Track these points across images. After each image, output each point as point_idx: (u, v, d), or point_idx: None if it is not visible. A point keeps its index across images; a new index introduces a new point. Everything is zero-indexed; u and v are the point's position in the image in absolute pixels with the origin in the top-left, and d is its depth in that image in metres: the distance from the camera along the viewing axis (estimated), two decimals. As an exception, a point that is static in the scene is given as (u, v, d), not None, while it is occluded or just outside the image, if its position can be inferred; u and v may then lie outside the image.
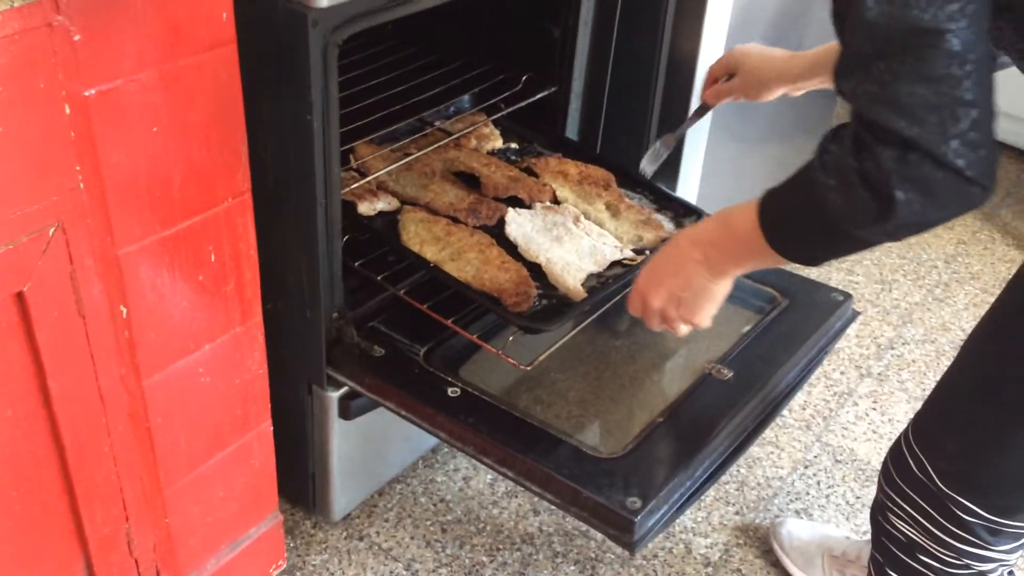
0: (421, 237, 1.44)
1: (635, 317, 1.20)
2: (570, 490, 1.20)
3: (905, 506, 1.19)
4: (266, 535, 1.42)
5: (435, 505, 1.66)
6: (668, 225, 1.54)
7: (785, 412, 1.89)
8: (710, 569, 1.60)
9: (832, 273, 2.29)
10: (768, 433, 1.84)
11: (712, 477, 1.28)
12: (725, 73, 1.46)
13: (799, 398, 1.93)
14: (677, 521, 1.65)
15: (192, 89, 0.99)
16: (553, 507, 1.65)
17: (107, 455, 1.13)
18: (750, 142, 2.03)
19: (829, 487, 1.76)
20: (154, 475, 1.19)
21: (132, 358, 1.08)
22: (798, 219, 0.95)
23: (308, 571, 1.53)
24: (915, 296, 2.27)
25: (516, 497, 1.68)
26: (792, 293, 1.54)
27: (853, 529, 1.68)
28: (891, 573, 1.26)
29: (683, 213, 1.57)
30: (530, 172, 1.63)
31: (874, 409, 1.94)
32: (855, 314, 1.56)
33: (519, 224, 1.49)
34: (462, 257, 1.40)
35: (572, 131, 1.77)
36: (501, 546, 1.60)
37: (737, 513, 1.69)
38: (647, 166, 1.61)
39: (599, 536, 1.62)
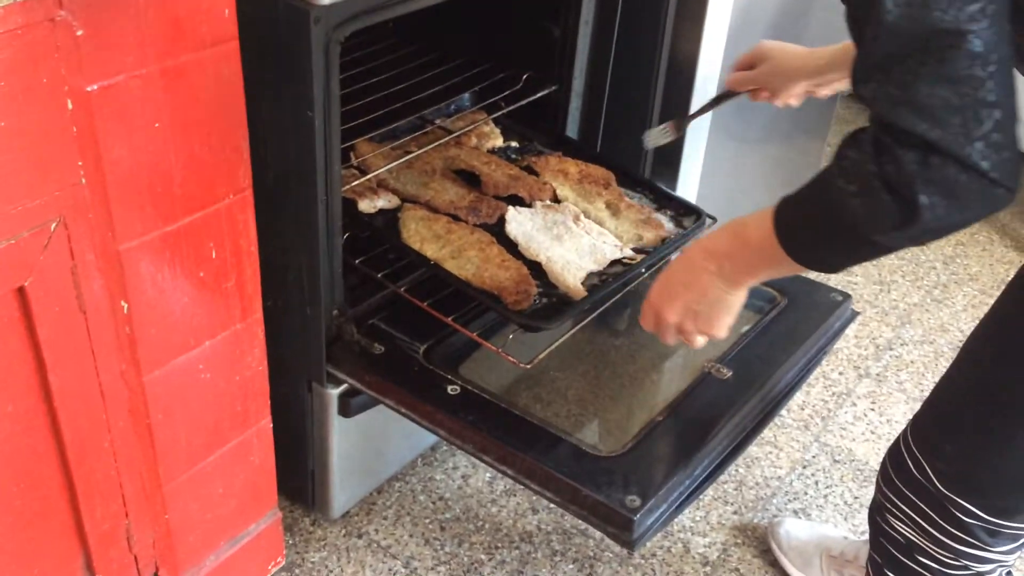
0: (421, 235, 1.44)
1: (635, 317, 1.19)
2: (569, 488, 1.20)
3: (903, 507, 1.19)
4: (265, 532, 1.42)
5: (434, 503, 1.66)
6: (668, 224, 1.54)
7: (784, 412, 1.90)
8: (708, 568, 1.60)
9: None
10: (767, 433, 1.84)
11: (711, 476, 1.28)
12: (751, 63, 1.43)
13: (798, 398, 1.94)
14: (675, 520, 1.65)
15: (194, 85, 0.99)
16: (552, 505, 1.65)
17: (107, 451, 1.13)
18: (750, 142, 2.03)
19: (827, 487, 1.76)
20: (154, 471, 1.19)
21: (133, 354, 1.08)
22: (816, 226, 0.93)
23: (307, 568, 1.54)
24: (914, 297, 2.28)
25: (515, 495, 1.68)
26: (791, 293, 1.55)
27: (851, 529, 1.68)
28: (889, 574, 1.26)
29: (683, 212, 1.58)
30: (530, 171, 1.63)
31: (872, 410, 1.94)
32: (854, 314, 1.57)
33: (519, 222, 1.49)
34: (462, 255, 1.41)
35: (572, 130, 1.77)
36: (500, 544, 1.60)
37: (735, 513, 1.70)
38: (648, 141, 1.58)
39: (597, 535, 1.62)
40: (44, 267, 0.96)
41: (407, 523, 1.62)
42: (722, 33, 1.67)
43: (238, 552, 1.39)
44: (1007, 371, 1.08)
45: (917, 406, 1.97)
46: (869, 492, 1.75)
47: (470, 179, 1.59)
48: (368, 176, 1.53)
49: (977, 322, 1.18)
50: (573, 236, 1.47)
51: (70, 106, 0.91)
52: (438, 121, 1.69)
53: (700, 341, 1.12)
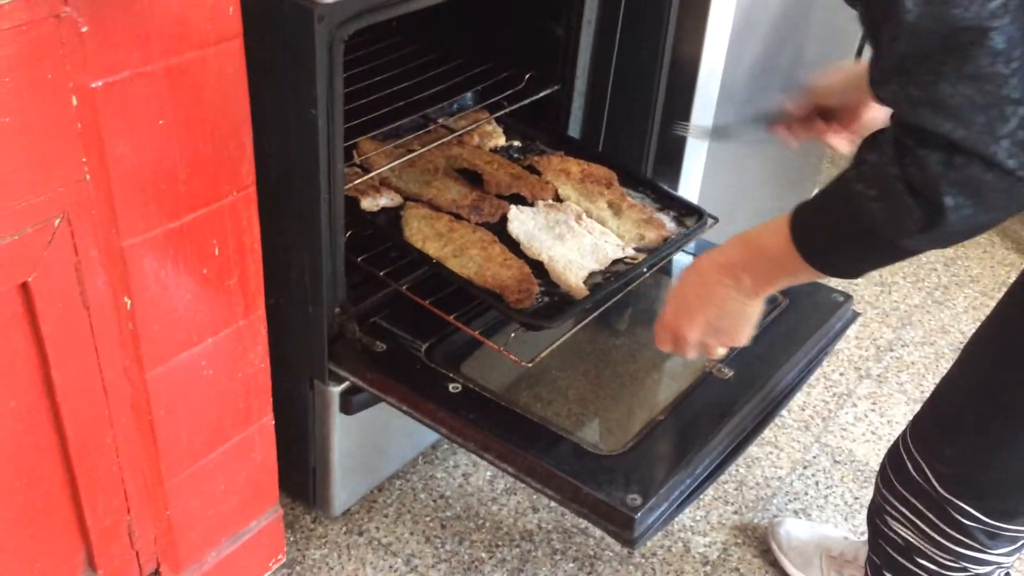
0: (424, 233, 1.44)
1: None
2: (570, 486, 1.20)
3: (903, 509, 1.19)
4: (266, 529, 1.42)
5: (435, 501, 1.66)
6: (670, 224, 1.54)
7: (784, 412, 1.90)
8: (708, 568, 1.60)
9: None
10: (767, 433, 1.85)
11: (712, 476, 1.28)
12: (829, 82, 1.27)
13: (798, 399, 1.94)
14: (676, 520, 1.65)
15: (198, 82, 0.99)
16: (553, 504, 1.65)
17: (109, 447, 1.13)
18: (751, 143, 2.03)
19: (828, 487, 1.77)
20: (156, 467, 1.19)
21: (135, 350, 1.09)
22: (836, 232, 0.91)
23: (308, 565, 1.54)
24: (915, 298, 2.28)
25: (515, 494, 1.69)
26: (792, 293, 1.55)
27: (851, 529, 1.68)
28: (888, 575, 1.26)
29: (685, 212, 1.58)
30: (532, 170, 1.63)
31: (873, 410, 1.94)
32: (855, 315, 1.57)
33: (521, 222, 1.49)
34: (464, 254, 1.41)
35: (575, 129, 1.77)
36: (500, 543, 1.61)
37: (736, 512, 1.70)
38: (680, 128, 1.54)
39: (598, 533, 1.62)
40: (48, 263, 0.97)
41: (408, 521, 1.62)
42: (725, 33, 1.67)
43: (239, 549, 1.39)
44: (1008, 373, 1.07)
45: (918, 407, 1.97)
46: (869, 493, 1.75)
47: (472, 178, 1.59)
48: (371, 174, 1.53)
49: (978, 324, 1.18)
50: (575, 235, 1.48)
51: (75, 102, 0.91)
52: (441, 120, 1.69)
53: (721, 352, 1.09)
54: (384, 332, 1.41)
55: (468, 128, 1.68)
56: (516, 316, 1.34)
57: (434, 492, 1.68)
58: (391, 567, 1.55)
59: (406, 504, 1.65)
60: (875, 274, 2.34)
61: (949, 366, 1.20)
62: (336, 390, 1.41)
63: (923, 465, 1.16)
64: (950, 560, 1.18)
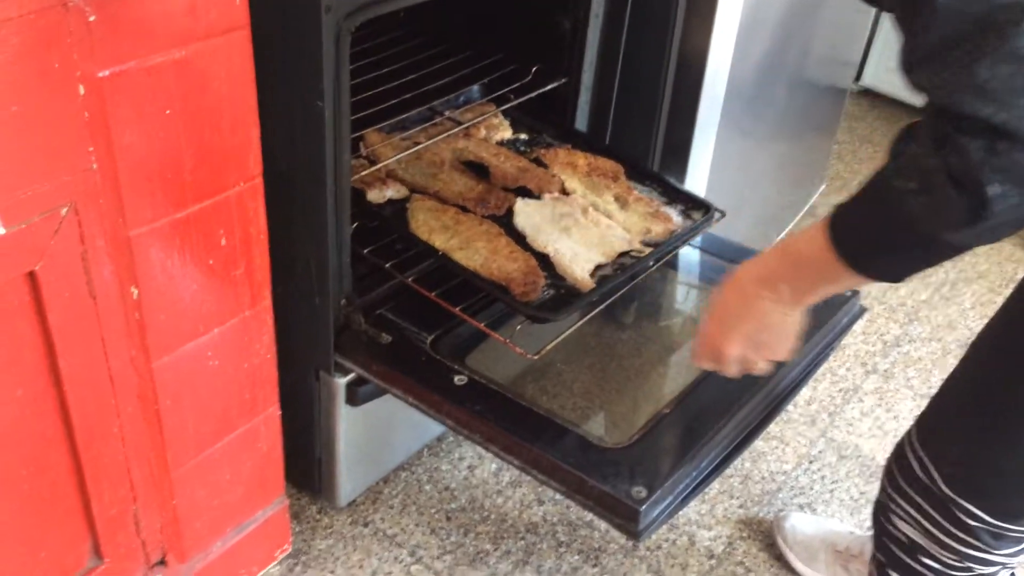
0: (430, 225, 1.44)
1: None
2: (576, 479, 1.20)
3: (908, 508, 1.19)
4: (272, 519, 1.43)
5: (440, 493, 1.66)
6: (676, 217, 1.54)
7: (790, 407, 1.90)
8: (713, 561, 1.60)
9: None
10: (773, 428, 1.85)
11: (717, 469, 1.28)
12: None
13: (804, 393, 1.94)
14: (681, 513, 1.65)
15: (205, 73, 1.00)
16: (558, 497, 1.66)
17: (116, 436, 1.14)
18: (759, 138, 2.03)
19: (833, 482, 1.76)
20: (162, 457, 1.20)
21: (142, 340, 1.09)
22: (876, 233, 0.87)
23: (313, 556, 1.54)
24: (922, 294, 2.27)
25: (520, 487, 1.69)
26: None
27: (857, 524, 1.68)
28: (892, 574, 1.26)
29: (691, 206, 1.58)
30: (539, 163, 1.63)
31: (879, 406, 1.94)
32: (862, 310, 1.56)
33: (528, 214, 1.49)
34: (471, 246, 1.41)
35: (581, 123, 1.77)
36: (505, 535, 1.61)
37: (741, 507, 1.70)
38: None
39: (603, 526, 1.62)
40: (55, 252, 0.97)
41: (413, 512, 1.63)
42: (732, 27, 1.67)
43: (245, 538, 1.39)
44: (1012, 372, 1.06)
45: (924, 403, 1.96)
46: (875, 488, 1.75)
47: (479, 171, 1.59)
48: (377, 166, 1.54)
49: (985, 320, 1.17)
50: (581, 228, 1.48)
51: (82, 92, 0.91)
52: (447, 112, 1.69)
53: (764, 367, 1.06)
54: (390, 324, 1.42)
55: (475, 121, 1.68)
56: (522, 308, 1.34)
57: (439, 484, 1.68)
58: (396, 558, 1.55)
59: (411, 496, 1.65)
60: (882, 269, 2.33)
61: (956, 362, 1.19)
62: (342, 381, 1.41)
63: (928, 464, 1.15)
64: (955, 560, 1.17)
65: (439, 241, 1.42)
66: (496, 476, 1.71)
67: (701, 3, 1.62)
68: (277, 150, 1.21)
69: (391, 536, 1.59)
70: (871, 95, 3.06)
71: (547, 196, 1.54)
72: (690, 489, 1.24)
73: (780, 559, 1.60)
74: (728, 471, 1.73)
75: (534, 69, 1.72)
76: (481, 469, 1.71)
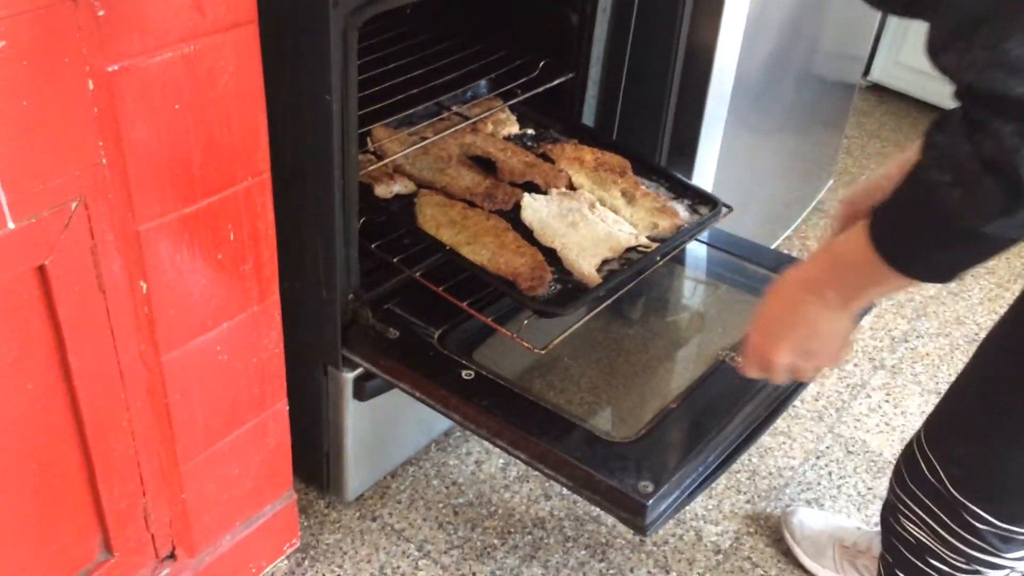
0: (437, 220, 1.45)
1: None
2: (583, 473, 1.21)
3: (916, 509, 1.18)
4: (280, 513, 1.43)
5: (447, 488, 1.67)
6: (683, 212, 1.54)
7: (797, 402, 1.89)
8: (720, 556, 1.60)
9: (847, 265, 2.29)
10: (780, 423, 1.84)
11: (724, 464, 1.28)
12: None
13: (812, 388, 1.94)
14: (688, 508, 1.65)
15: (214, 68, 1.00)
16: (565, 492, 1.66)
17: (125, 430, 1.14)
18: (766, 133, 2.02)
19: (841, 478, 1.76)
20: (171, 451, 1.20)
21: (151, 334, 1.09)
22: (916, 229, 0.84)
23: (321, 550, 1.55)
24: (930, 290, 2.27)
25: (528, 481, 1.69)
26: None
27: (864, 520, 1.68)
28: (900, 574, 1.25)
29: (699, 201, 1.58)
30: (546, 158, 1.63)
31: (887, 401, 1.94)
32: (870, 306, 1.56)
33: (535, 209, 1.50)
34: (478, 241, 1.41)
35: (589, 118, 1.77)
36: (512, 529, 1.61)
37: (748, 502, 1.70)
38: None
39: (610, 521, 1.62)
40: (64, 246, 0.97)
41: (421, 507, 1.63)
42: (740, 23, 1.66)
43: (253, 533, 1.40)
44: (1021, 373, 1.05)
45: (932, 398, 1.96)
46: (882, 483, 1.75)
47: (486, 166, 1.59)
48: (384, 161, 1.54)
49: (993, 316, 1.16)
50: (588, 223, 1.48)
51: (91, 86, 0.92)
52: (454, 107, 1.69)
53: (813, 374, 1.03)
54: (397, 318, 1.42)
55: (482, 116, 1.68)
56: (529, 303, 1.34)
57: (447, 479, 1.68)
58: (404, 552, 1.56)
59: (419, 490, 1.66)
60: (890, 265, 2.33)
61: (964, 358, 1.18)
62: (349, 376, 1.41)
63: (936, 466, 1.14)
64: (962, 562, 1.16)
65: (446, 236, 1.42)
66: (503, 471, 1.71)
67: (709, -3, 1.62)
68: (285, 145, 1.21)
69: (399, 531, 1.59)
70: (880, 90, 3.05)
71: (554, 191, 1.55)
72: (697, 484, 1.24)
73: (787, 554, 1.60)
74: (735, 466, 1.73)
75: (541, 64, 1.72)
76: (488, 464, 1.72)
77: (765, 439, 1.80)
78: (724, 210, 1.56)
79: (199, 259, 1.10)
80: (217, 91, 1.01)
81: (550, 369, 1.44)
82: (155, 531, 1.26)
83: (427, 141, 1.60)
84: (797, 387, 1.39)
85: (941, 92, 2.32)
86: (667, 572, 1.57)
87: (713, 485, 1.68)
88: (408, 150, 1.57)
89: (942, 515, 1.14)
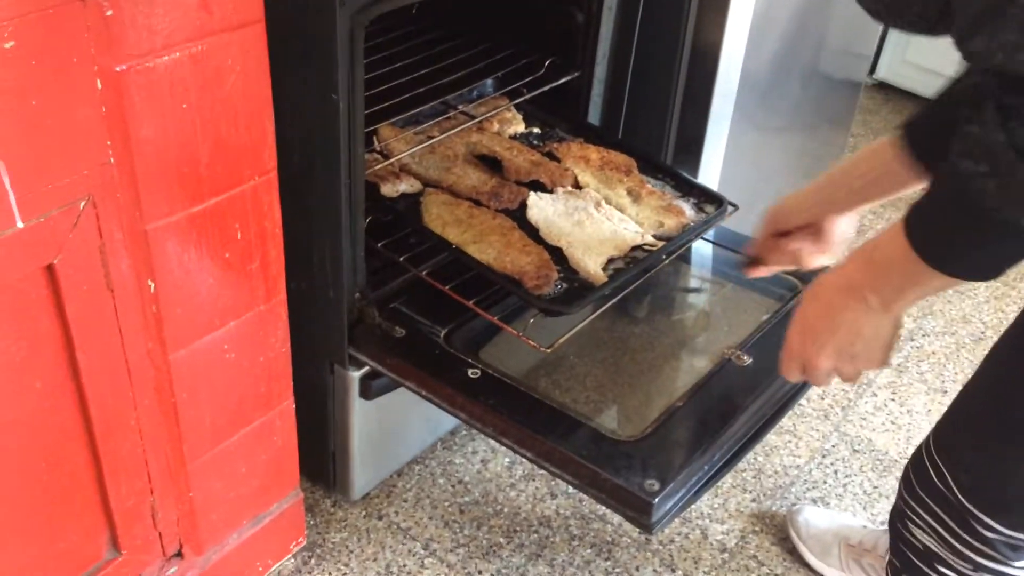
0: (443, 219, 1.45)
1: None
2: (589, 472, 1.21)
3: (925, 515, 1.16)
4: (287, 512, 1.44)
5: (453, 487, 1.67)
6: (689, 211, 1.54)
7: (803, 401, 1.89)
8: (726, 555, 1.60)
9: (853, 264, 2.29)
10: (786, 422, 1.84)
11: (730, 463, 1.28)
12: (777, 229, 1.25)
13: (817, 387, 1.94)
14: (693, 507, 1.65)
15: (221, 67, 1.00)
16: (570, 490, 1.66)
17: (133, 428, 1.15)
18: (772, 131, 2.02)
19: (846, 476, 1.76)
20: (178, 449, 1.20)
21: (159, 332, 1.10)
22: (953, 224, 0.81)
23: (327, 548, 1.55)
24: (936, 288, 2.26)
25: (533, 480, 1.69)
26: (811, 281, 1.54)
27: (870, 518, 1.68)
28: None
29: (704, 199, 1.57)
30: (552, 157, 1.63)
31: (893, 400, 1.94)
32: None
33: (541, 208, 1.50)
34: (484, 239, 1.41)
35: (594, 116, 1.77)
36: (518, 528, 1.61)
37: (754, 500, 1.70)
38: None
39: (616, 519, 1.63)
40: (73, 245, 0.98)
41: (427, 506, 1.63)
42: (746, 20, 1.66)
43: (260, 531, 1.40)
44: None
45: (938, 397, 1.96)
46: (888, 482, 1.75)
47: (492, 164, 1.60)
48: (391, 160, 1.54)
49: (999, 314, 1.15)
50: (594, 222, 1.48)
51: (99, 86, 0.92)
52: (460, 106, 1.69)
53: (855, 376, 1.00)
54: (404, 317, 1.42)
55: (488, 115, 1.69)
56: (535, 302, 1.34)
57: (453, 478, 1.69)
58: (410, 551, 1.56)
59: (425, 489, 1.66)
60: (896, 263, 2.33)
61: (970, 356, 1.17)
62: (356, 375, 1.42)
63: (945, 473, 1.12)
64: (970, 569, 1.15)
65: (452, 235, 1.42)
66: (509, 470, 1.71)
67: (714, -5, 1.62)
68: (292, 144, 1.22)
69: (405, 529, 1.59)
70: (886, 88, 3.04)
71: (560, 190, 1.55)
72: (703, 482, 1.24)
73: (793, 553, 1.60)
74: (741, 465, 1.74)
75: (547, 63, 1.72)
76: (494, 463, 1.72)
77: (771, 438, 1.80)
78: (730, 208, 1.55)
79: (206, 258, 1.10)
80: (224, 90, 1.02)
81: (556, 368, 1.44)
82: (162, 529, 1.27)
83: (433, 140, 1.61)
84: (803, 385, 1.39)
85: (947, 90, 2.31)
86: (673, 570, 1.57)
87: (719, 483, 1.68)
88: (414, 149, 1.57)
89: (951, 522, 1.13)
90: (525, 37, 1.76)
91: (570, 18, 1.68)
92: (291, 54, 1.16)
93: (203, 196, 1.06)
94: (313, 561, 1.53)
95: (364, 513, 1.61)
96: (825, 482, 1.75)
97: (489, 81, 1.75)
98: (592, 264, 1.40)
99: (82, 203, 0.97)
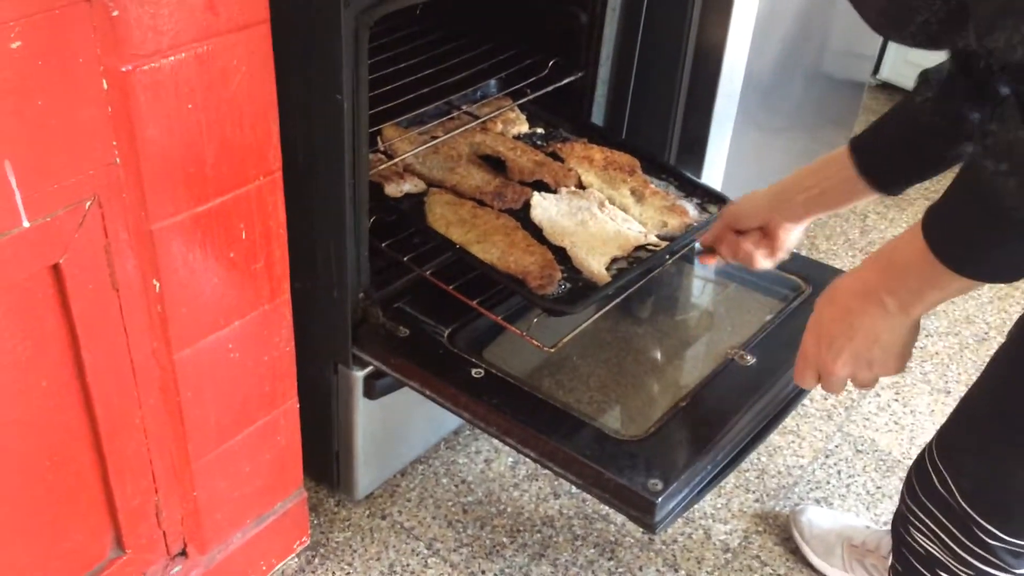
0: (447, 219, 1.45)
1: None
2: (592, 471, 1.21)
3: (927, 520, 1.16)
4: (291, 511, 1.44)
5: (457, 486, 1.67)
6: (693, 211, 1.54)
7: (807, 401, 1.89)
8: (729, 555, 1.60)
9: (856, 261, 2.28)
10: (789, 422, 1.84)
11: (733, 463, 1.29)
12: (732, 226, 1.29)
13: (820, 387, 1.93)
14: (697, 507, 1.66)
15: (227, 67, 1.00)
16: (574, 491, 1.66)
17: (138, 427, 1.15)
18: (775, 131, 2.02)
19: (850, 476, 1.76)
20: (183, 448, 1.21)
21: (164, 332, 1.10)
22: (973, 227, 0.79)
23: (331, 548, 1.55)
24: (939, 288, 2.26)
25: (537, 480, 1.70)
26: (815, 281, 1.55)
27: (873, 519, 1.68)
28: None
29: (708, 199, 1.58)
30: (556, 157, 1.64)
31: (896, 400, 1.94)
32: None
33: (544, 208, 1.50)
34: (488, 239, 1.41)
35: (598, 117, 1.78)
36: (522, 528, 1.62)
37: (757, 501, 1.70)
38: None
39: (619, 520, 1.63)
40: (78, 245, 0.98)
41: (430, 505, 1.64)
42: (749, 21, 1.67)
43: (264, 530, 1.41)
44: None
45: (941, 397, 1.96)
46: (892, 482, 1.75)
47: (496, 165, 1.60)
48: (395, 160, 1.54)
49: (1003, 314, 1.15)
50: (598, 222, 1.48)
51: (105, 86, 0.92)
52: (464, 107, 1.70)
53: (872, 382, 0.99)
54: (407, 317, 1.42)
55: (492, 115, 1.69)
56: (538, 301, 1.34)
57: (456, 477, 1.69)
58: (413, 551, 1.56)
59: (428, 489, 1.66)
60: (899, 264, 2.32)
61: (974, 357, 1.17)
62: (360, 375, 1.42)
63: (947, 478, 1.12)
64: (971, 575, 1.15)
65: (456, 235, 1.43)
66: (512, 470, 1.71)
67: (718, -4, 1.63)
68: (296, 144, 1.22)
69: (408, 529, 1.60)
70: (889, 88, 3.04)
71: (564, 190, 1.55)
72: (706, 482, 1.24)
73: (796, 553, 1.60)
74: (744, 465, 1.74)
75: (551, 63, 1.72)
76: (498, 463, 1.72)
77: (774, 438, 1.80)
78: (733, 209, 1.56)
79: (211, 258, 1.10)
80: (230, 91, 1.02)
81: (559, 368, 1.45)
82: (167, 528, 1.27)
83: (437, 140, 1.61)
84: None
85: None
86: (676, 571, 1.57)
87: (722, 484, 1.68)
88: (418, 149, 1.58)
89: (952, 528, 1.13)
90: (529, 38, 1.76)
91: (574, 19, 1.68)
92: (296, 54, 1.16)
93: (208, 196, 1.06)
94: (317, 560, 1.53)
95: (368, 513, 1.62)
96: (828, 482, 1.75)
97: (493, 81, 1.75)
98: (596, 264, 1.40)
99: (88, 203, 0.97)
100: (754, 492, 1.71)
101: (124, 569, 1.25)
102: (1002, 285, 2.25)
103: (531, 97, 1.71)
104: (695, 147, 1.77)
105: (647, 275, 1.47)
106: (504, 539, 1.59)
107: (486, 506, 1.64)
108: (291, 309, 1.26)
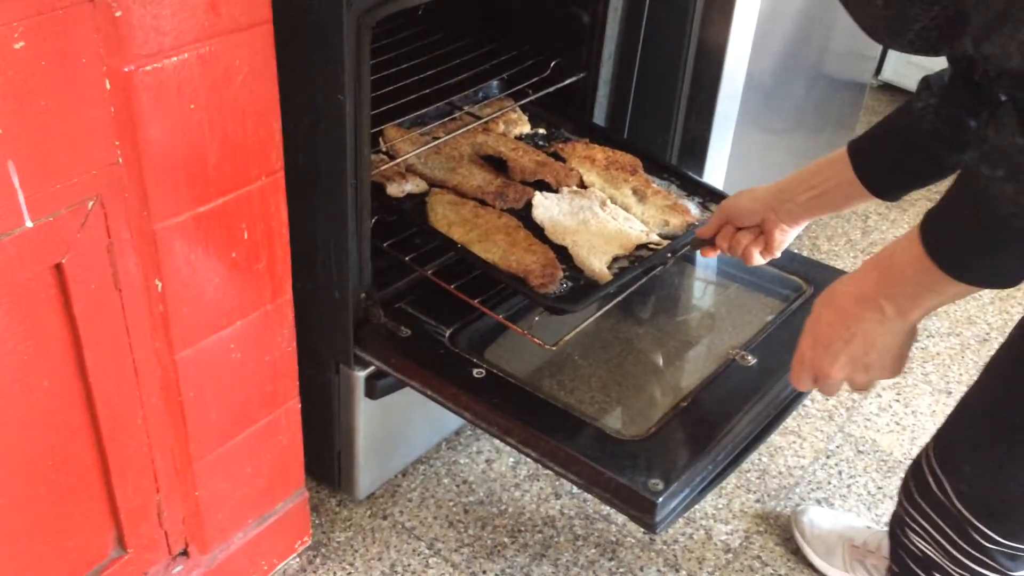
0: (449, 219, 1.45)
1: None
2: (593, 471, 1.21)
3: (924, 523, 1.16)
4: (292, 511, 1.44)
5: (458, 486, 1.67)
6: (694, 210, 1.54)
7: (808, 402, 1.90)
8: (730, 555, 1.60)
9: (857, 262, 2.29)
10: (790, 422, 1.85)
11: (734, 463, 1.29)
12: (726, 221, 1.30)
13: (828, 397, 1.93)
14: (697, 507, 1.66)
15: (229, 68, 1.01)
16: (575, 491, 1.66)
17: (140, 427, 1.15)
18: (777, 132, 2.02)
19: (851, 477, 1.76)
20: (185, 448, 1.21)
21: (166, 332, 1.10)
22: (970, 230, 0.79)
23: (332, 548, 1.56)
24: (941, 289, 2.26)
25: (538, 480, 1.70)
26: (817, 281, 1.55)
27: (874, 519, 1.68)
28: None
29: (710, 199, 1.58)
30: (557, 157, 1.64)
31: (897, 401, 1.94)
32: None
33: (546, 208, 1.50)
34: (489, 239, 1.42)
35: (600, 117, 1.78)
36: (523, 528, 1.62)
37: (758, 501, 1.70)
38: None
39: (620, 519, 1.63)
40: (81, 245, 0.98)
41: (431, 505, 1.64)
42: (751, 21, 1.67)
43: (265, 530, 1.41)
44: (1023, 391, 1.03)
45: (942, 398, 1.96)
46: (893, 483, 1.75)
47: (497, 165, 1.60)
48: (396, 161, 1.55)
49: (1004, 315, 1.15)
50: (599, 221, 1.48)
51: (108, 86, 0.93)
52: (466, 107, 1.70)
53: (868, 386, 0.99)
54: (409, 317, 1.42)
55: (493, 115, 1.69)
56: (540, 300, 1.34)
57: (457, 477, 1.69)
58: (415, 551, 1.56)
59: (430, 489, 1.66)
60: (901, 264, 2.32)
61: (975, 357, 1.17)
62: (361, 375, 1.42)
63: (944, 482, 1.12)
64: None
65: (458, 234, 1.43)
66: (514, 470, 1.71)
67: (720, -4, 1.63)
68: (298, 144, 1.22)
69: (409, 529, 1.60)
70: (891, 89, 3.04)
71: (565, 190, 1.55)
72: (707, 482, 1.24)
73: (797, 553, 1.60)
74: (745, 466, 1.74)
75: (553, 64, 1.72)
76: (499, 463, 1.72)
77: (775, 438, 1.81)
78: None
79: (213, 258, 1.10)
80: (232, 91, 1.02)
81: (560, 368, 1.45)
82: (168, 528, 1.27)
83: (439, 141, 1.61)
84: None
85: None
86: (677, 571, 1.57)
87: (723, 484, 1.68)
88: (420, 149, 1.58)
89: (949, 531, 1.13)
90: (531, 38, 1.76)
91: (576, 19, 1.68)
92: (298, 55, 1.16)
93: (210, 196, 1.07)
94: (318, 560, 1.54)
95: (369, 513, 1.62)
96: (829, 483, 1.75)
97: (495, 82, 1.75)
98: (597, 263, 1.40)
99: (90, 203, 0.97)
100: (755, 492, 1.71)
101: (126, 569, 1.25)
102: (1003, 286, 2.25)
103: (533, 98, 1.71)
104: (696, 148, 1.77)
105: (649, 273, 1.47)
106: (505, 539, 1.60)
107: (487, 506, 1.65)
108: (293, 309, 1.26)
